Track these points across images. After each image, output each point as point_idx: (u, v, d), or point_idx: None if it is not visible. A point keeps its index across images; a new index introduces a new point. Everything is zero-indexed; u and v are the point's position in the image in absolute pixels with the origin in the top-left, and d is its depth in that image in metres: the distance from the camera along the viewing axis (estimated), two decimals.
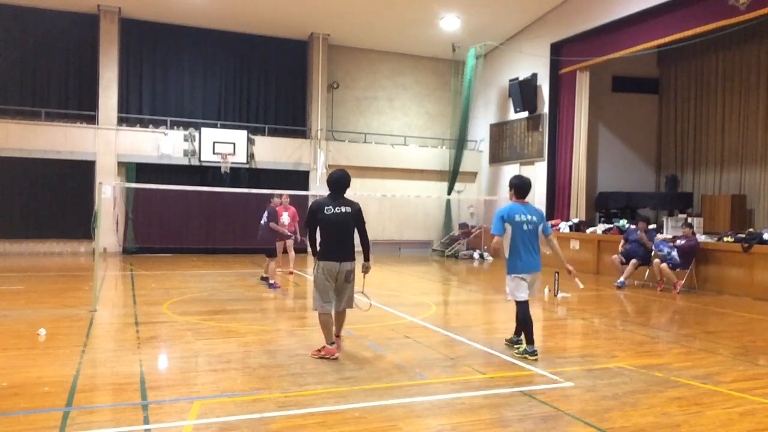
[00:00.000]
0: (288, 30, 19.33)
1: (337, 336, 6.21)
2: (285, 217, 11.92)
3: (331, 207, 5.90)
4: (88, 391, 4.82)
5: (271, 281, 11.06)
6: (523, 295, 6.19)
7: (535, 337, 6.21)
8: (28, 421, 4.11)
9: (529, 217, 6.20)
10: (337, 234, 5.91)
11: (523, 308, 6.21)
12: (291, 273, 12.68)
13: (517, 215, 6.16)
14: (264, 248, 11.27)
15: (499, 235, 6.15)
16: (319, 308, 5.94)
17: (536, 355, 6.07)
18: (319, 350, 5.93)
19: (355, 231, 6.10)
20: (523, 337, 6.29)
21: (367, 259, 6.29)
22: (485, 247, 18.75)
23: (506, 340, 6.69)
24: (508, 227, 6.15)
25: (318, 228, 6.01)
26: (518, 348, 6.31)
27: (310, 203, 6.15)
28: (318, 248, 6.02)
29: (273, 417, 4.28)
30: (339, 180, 6.04)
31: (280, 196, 12.00)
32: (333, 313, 6.04)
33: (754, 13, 12.23)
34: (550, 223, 16.94)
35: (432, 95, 21.93)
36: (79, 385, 4.91)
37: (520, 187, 6.32)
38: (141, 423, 4.12)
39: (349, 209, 5.98)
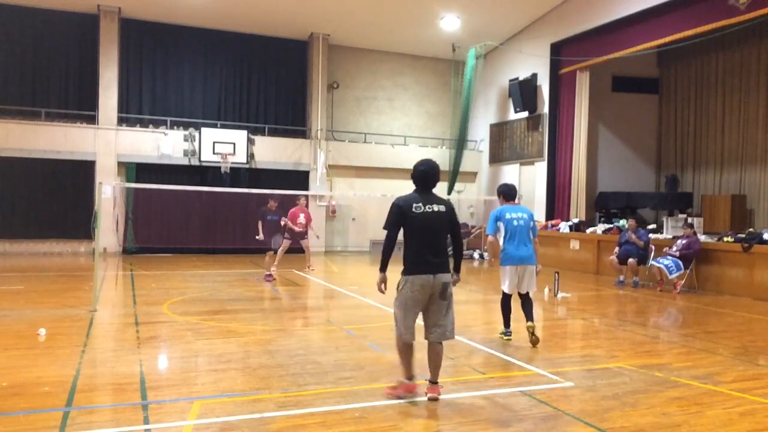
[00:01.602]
0: (288, 30, 19.33)
1: (433, 382, 4.73)
2: (302, 218, 12.05)
3: (420, 205, 4.71)
4: (88, 391, 4.82)
5: (268, 273, 11.80)
6: (505, 288, 6.88)
7: (534, 336, 6.64)
8: (28, 421, 4.11)
9: (519, 214, 6.85)
10: (429, 239, 4.70)
11: (505, 299, 7.00)
12: (310, 267, 12.68)
13: (507, 213, 6.84)
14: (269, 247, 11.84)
15: (492, 235, 6.89)
16: (400, 333, 4.71)
17: (509, 336, 6.91)
18: (395, 387, 4.78)
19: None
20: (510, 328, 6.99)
21: (457, 269, 5.00)
22: (485, 247, 18.75)
23: (500, 333, 7.16)
24: (501, 225, 6.83)
25: (402, 233, 4.79)
26: (505, 337, 6.97)
27: (393, 202, 4.76)
28: (403, 259, 4.75)
29: (273, 417, 4.28)
30: (428, 173, 4.86)
31: (298, 198, 12.32)
32: (429, 343, 4.78)
33: (754, 13, 12.23)
34: (550, 223, 17.02)
35: (432, 95, 21.93)
36: (79, 385, 4.91)
37: (507, 193, 7.04)
38: (141, 423, 4.12)
39: (442, 208, 4.78)
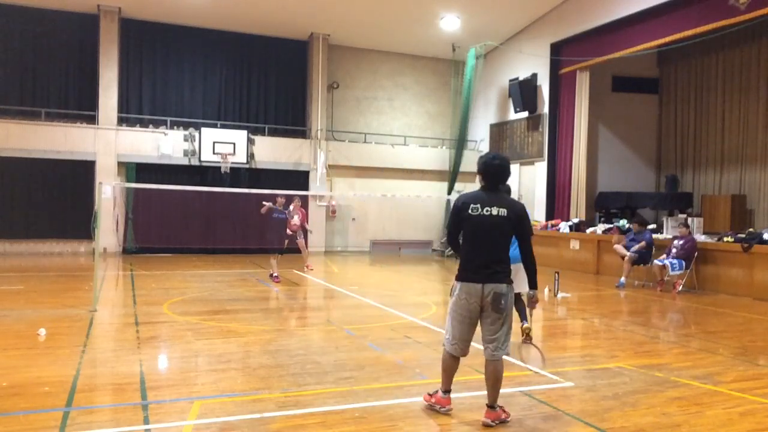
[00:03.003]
0: (288, 30, 19.33)
1: (490, 406, 4.29)
2: (296, 219, 12.04)
3: (478, 206, 4.26)
4: (88, 391, 4.83)
5: (275, 274, 11.76)
6: None
7: (534, 337, 6.65)
8: (28, 421, 4.11)
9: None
10: (482, 244, 4.28)
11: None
12: (309, 267, 12.67)
13: None
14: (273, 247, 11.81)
15: None
16: (447, 346, 4.44)
17: None
18: (431, 394, 4.58)
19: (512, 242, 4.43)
20: None
21: (533, 285, 4.53)
22: None
23: None
24: None
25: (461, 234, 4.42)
26: None
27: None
28: (459, 263, 4.44)
29: (273, 417, 4.28)
30: (494, 167, 4.34)
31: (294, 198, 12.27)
32: (485, 360, 4.41)
33: (754, 13, 12.23)
34: (550, 223, 17.03)
35: (432, 95, 21.93)
36: (79, 385, 4.91)
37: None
38: (141, 423, 4.12)
39: (504, 212, 4.26)
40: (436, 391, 4.57)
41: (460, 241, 4.43)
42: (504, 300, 4.27)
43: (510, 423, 4.29)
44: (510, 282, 4.34)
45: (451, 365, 4.47)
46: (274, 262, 11.82)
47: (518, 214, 4.33)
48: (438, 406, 4.49)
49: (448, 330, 4.43)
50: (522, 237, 4.39)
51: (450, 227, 4.43)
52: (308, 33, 19.62)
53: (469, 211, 4.28)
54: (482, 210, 4.25)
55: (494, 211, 4.25)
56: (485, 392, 4.39)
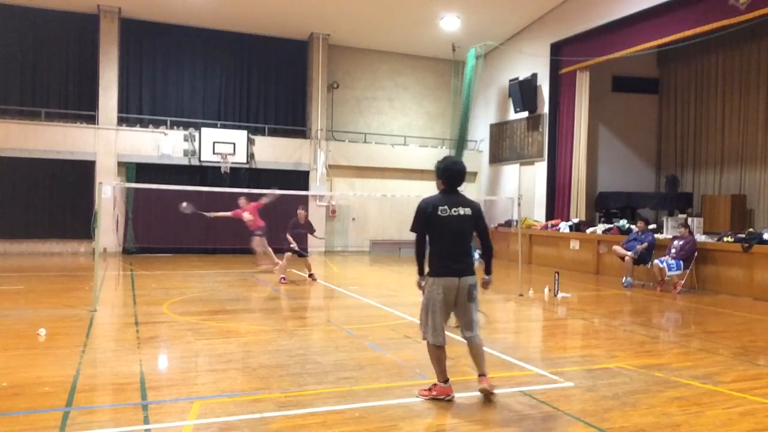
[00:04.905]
0: (288, 30, 19.33)
1: (483, 375, 4.74)
2: (246, 216, 12.59)
3: (446, 207, 4.65)
4: (88, 391, 4.82)
5: (282, 275, 11.96)
6: None
7: (534, 337, 6.85)
8: (28, 421, 4.11)
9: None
10: (454, 242, 4.68)
11: None
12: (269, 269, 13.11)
13: None
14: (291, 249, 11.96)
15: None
16: (430, 339, 4.70)
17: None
18: (429, 389, 4.73)
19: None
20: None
21: (489, 271, 5.10)
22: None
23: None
24: None
25: (428, 234, 4.75)
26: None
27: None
28: (429, 260, 4.75)
29: (273, 417, 4.28)
30: (453, 170, 4.75)
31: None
32: (468, 341, 4.87)
33: (754, 13, 12.23)
34: (550, 223, 17.03)
35: (432, 95, 21.93)
36: (79, 385, 4.91)
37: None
38: (141, 423, 4.12)
39: (468, 211, 4.73)
40: (434, 385, 4.72)
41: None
42: (475, 290, 4.81)
43: (510, 423, 4.29)
44: (474, 272, 4.81)
45: (440, 355, 4.71)
46: (283, 262, 11.98)
47: (478, 212, 4.82)
48: (442, 396, 4.64)
49: (428, 324, 4.71)
50: (484, 232, 4.97)
51: (418, 229, 4.70)
52: (308, 33, 19.62)
53: (439, 212, 4.63)
54: (451, 210, 4.65)
55: (461, 211, 4.68)
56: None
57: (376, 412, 4.44)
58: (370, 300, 9.84)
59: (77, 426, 4.03)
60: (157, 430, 4.05)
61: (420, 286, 4.84)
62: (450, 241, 4.67)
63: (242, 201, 13.15)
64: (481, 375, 4.73)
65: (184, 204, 12.36)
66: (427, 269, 4.79)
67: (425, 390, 4.75)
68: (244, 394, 4.78)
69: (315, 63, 19.64)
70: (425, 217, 4.67)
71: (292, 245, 11.83)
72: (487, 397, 4.66)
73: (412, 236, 4.79)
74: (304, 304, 10.22)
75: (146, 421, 4.15)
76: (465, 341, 4.85)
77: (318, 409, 4.45)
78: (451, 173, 4.75)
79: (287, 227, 12.06)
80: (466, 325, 4.80)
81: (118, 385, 5.02)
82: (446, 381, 4.69)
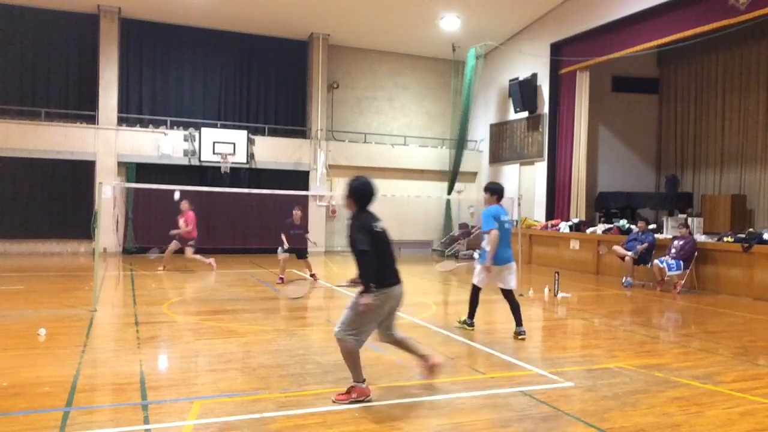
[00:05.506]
0: (288, 30, 19.33)
1: (423, 356, 5.17)
2: (181, 223, 13.09)
3: (378, 224, 4.93)
4: (88, 391, 4.82)
5: (281, 275, 11.96)
6: (479, 283, 7.44)
7: (534, 337, 6.87)
8: (28, 421, 4.11)
9: (508, 217, 7.36)
10: (389, 254, 5.01)
11: (475, 290, 7.50)
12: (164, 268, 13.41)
13: (501, 215, 7.21)
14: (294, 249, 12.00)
15: (495, 229, 7.09)
16: (352, 341, 4.73)
17: (473, 327, 7.43)
18: (348, 392, 4.73)
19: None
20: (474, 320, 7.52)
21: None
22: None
23: (458, 321, 7.66)
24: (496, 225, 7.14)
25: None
26: (463, 326, 7.49)
27: (351, 220, 4.92)
28: (373, 273, 4.86)
29: (273, 417, 4.28)
30: (371, 192, 5.00)
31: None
32: (395, 338, 5.17)
33: (754, 13, 12.24)
34: (550, 223, 17.03)
35: (432, 95, 21.94)
36: (79, 385, 4.91)
37: (501, 193, 7.41)
38: (141, 423, 4.12)
39: (384, 225, 5.04)
40: (352, 387, 4.69)
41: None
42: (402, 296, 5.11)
43: (510, 423, 4.29)
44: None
45: (358, 356, 4.80)
46: (282, 264, 11.96)
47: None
48: (362, 398, 4.66)
49: (360, 330, 4.77)
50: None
51: (370, 245, 4.81)
52: (308, 33, 19.62)
53: (377, 229, 4.90)
54: (381, 226, 4.95)
55: (383, 225, 4.99)
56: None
57: (376, 412, 4.44)
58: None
59: (77, 426, 4.03)
60: (157, 430, 4.05)
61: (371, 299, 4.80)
62: (388, 254, 5.00)
63: (184, 204, 13.48)
64: (424, 356, 5.11)
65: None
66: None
67: (343, 394, 4.71)
68: (244, 394, 4.78)
69: (315, 63, 19.65)
70: (372, 234, 4.85)
71: (284, 245, 11.81)
72: (439, 368, 5.10)
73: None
74: (304, 304, 10.21)
75: (146, 421, 4.16)
76: (397, 342, 5.16)
77: (318, 409, 4.45)
78: (368, 193, 4.96)
79: (282, 227, 12.07)
80: (392, 326, 5.15)
81: (118, 385, 5.02)
82: (363, 381, 4.76)
